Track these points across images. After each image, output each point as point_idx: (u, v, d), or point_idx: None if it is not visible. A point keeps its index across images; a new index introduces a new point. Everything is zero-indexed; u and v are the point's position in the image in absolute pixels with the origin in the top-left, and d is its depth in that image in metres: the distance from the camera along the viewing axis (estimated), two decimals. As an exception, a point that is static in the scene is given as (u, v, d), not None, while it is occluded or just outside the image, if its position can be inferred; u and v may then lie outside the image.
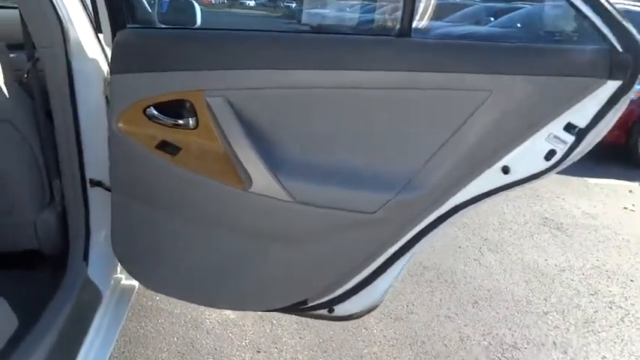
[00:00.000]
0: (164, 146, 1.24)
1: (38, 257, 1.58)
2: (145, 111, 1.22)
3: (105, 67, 1.42)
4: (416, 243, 1.26)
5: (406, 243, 1.26)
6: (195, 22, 2.15)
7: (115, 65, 1.21)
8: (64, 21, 1.27)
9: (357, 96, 1.15)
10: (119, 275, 1.64)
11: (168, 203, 1.31)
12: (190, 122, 1.21)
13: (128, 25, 1.26)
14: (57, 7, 1.25)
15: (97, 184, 1.45)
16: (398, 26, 1.18)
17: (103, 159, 1.33)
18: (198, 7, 2.14)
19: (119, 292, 1.61)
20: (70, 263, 1.47)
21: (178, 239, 1.35)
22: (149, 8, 2.27)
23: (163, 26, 1.47)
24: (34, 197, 1.50)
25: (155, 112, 1.22)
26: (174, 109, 1.21)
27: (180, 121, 1.22)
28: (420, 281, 2.35)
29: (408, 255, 1.28)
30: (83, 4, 1.34)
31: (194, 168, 1.22)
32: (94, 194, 1.46)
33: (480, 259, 2.62)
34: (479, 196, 1.20)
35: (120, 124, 1.24)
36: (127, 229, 1.40)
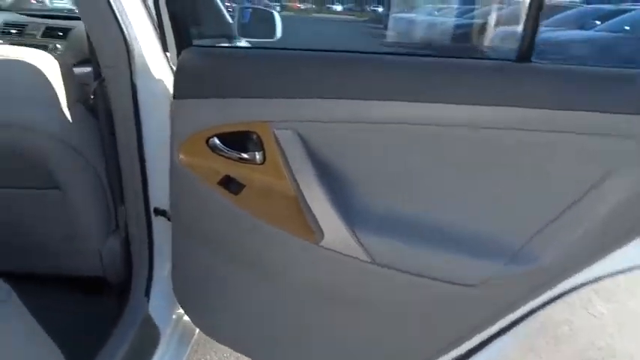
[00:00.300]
0: (227, 182, 1.08)
1: (103, 282, 1.52)
2: (207, 141, 1.07)
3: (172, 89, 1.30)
4: (524, 320, 1.01)
5: (512, 322, 1.01)
6: (274, 34, 2.01)
7: (177, 89, 1.07)
8: (128, 38, 1.15)
9: (459, 138, 0.91)
10: (181, 310, 1.53)
11: (230, 246, 1.15)
12: (257, 157, 1.04)
13: (194, 43, 1.12)
14: (121, 22, 1.14)
15: (161, 213, 1.34)
16: (497, 43, 0.93)
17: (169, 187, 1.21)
18: (278, 19, 2.00)
19: (181, 330, 1.50)
20: (132, 297, 1.38)
21: (241, 287, 1.19)
22: (229, 19, 2.17)
23: (228, 45, 1.32)
24: (100, 223, 1.43)
25: (219, 144, 1.07)
26: (240, 140, 1.06)
27: (246, 155, 1.05)
28: (516, 332, 2.03)
29: (512, 333, 1.03)
30: (151, 20, 1.22)
31: (258, 210, 1.06)
32: (159, 224, 1.35)
33: (589, 307, 2.24)
34: (614, 273, 0.92)
35: (181, 155, 1.10)
36: (186, 269, 1.27)
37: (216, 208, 1.12)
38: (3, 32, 2.31)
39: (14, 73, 1.15)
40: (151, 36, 1.22)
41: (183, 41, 1.11)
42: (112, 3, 1.13)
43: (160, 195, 1.31)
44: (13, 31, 2.31)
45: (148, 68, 1.21)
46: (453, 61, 0.97)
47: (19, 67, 1.15)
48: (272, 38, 1.99)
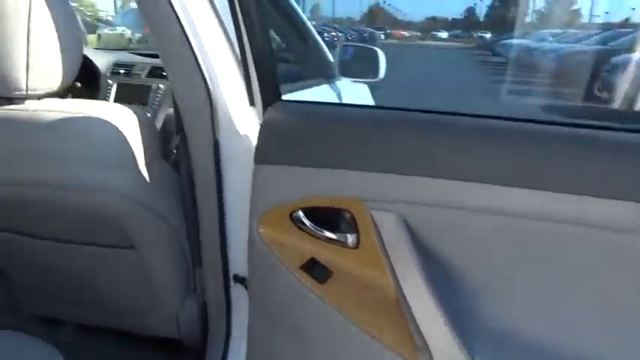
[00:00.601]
0: (311, 266, 0.90)
1: (179, 344, 1.41)
2: (291, 215, 0.90)
3: None
4: None
5: None
6: (378, 74, 1.82)
7: (259, 152, 0.92)
8: (212, 91, 1.03)
9: (616, 244, 0.65)
10: None
11: (311, 340, 0.96)
12: (349, 239, 0.85)
13: (283, 98, 0.96)
14: (205, 73, 1.01)
15: (240, 281, 1.18)
16: None
17: None
18: (383, 57, 1.81)
19: None
20: None
21: None
22: (331, 57, 2.02)
23: (323, 101, 1.15)
24: (177, 285, 1.32)
25: (304, 219, 0.89)
26: (329, 217, 0.87)
27: (335, 236, 0.86)
28: None
29: None
30: (239, 70, 1.08)
31: (347, 306, 0.85)
32: (237, 292, 1.21)
33: None
34: None
35: (261, 229, 0.94)
36: (262, 353, 1.10)
37: (297, 294, 0.93)
38: (112, 72, 2.37)
39: (89, 130, 1.07)
40: (238, 88, 1.08)
41: (270, 95, 0.96)
42: (197, 52, 1.01)
43: (241, 260, 1.17)
44: (122, 71, 2.35)
45: (233, 124, 1.07)
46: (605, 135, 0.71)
47: (94, 124, 1.07)
48: (375, 78, 1.81)
